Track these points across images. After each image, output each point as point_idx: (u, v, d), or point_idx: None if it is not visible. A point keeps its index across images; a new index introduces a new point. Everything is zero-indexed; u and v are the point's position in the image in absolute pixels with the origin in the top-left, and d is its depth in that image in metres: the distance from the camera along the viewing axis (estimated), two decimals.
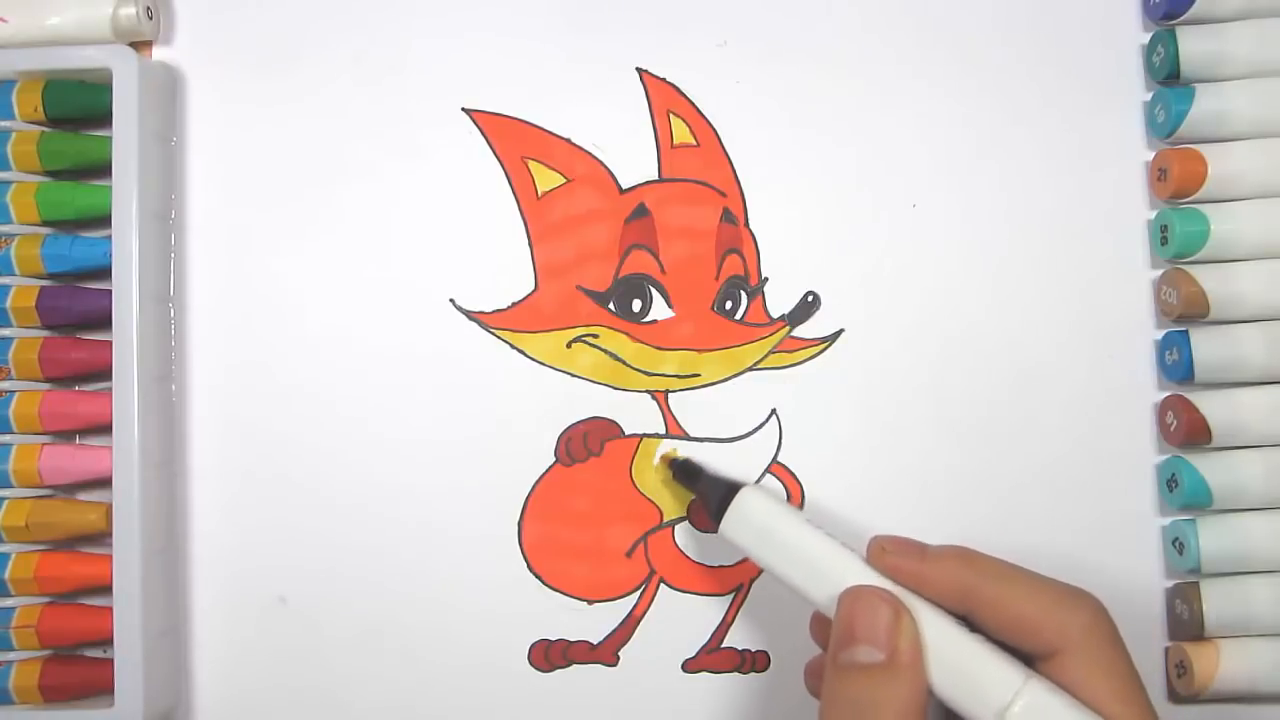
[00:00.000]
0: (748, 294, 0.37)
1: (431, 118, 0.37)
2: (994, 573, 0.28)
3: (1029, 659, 0.27)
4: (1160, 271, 0.36)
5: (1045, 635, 0.27)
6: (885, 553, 0.29)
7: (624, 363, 0.36)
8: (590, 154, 0.37)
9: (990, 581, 0.27)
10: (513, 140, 0.37)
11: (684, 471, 0.35)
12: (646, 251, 0.36)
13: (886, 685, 0.26)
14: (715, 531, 0.36)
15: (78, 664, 0.35)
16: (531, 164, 0.37)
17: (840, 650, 0.27)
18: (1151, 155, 0.37)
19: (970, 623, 0.28)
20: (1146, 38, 0.37)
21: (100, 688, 0.34)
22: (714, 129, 0.37)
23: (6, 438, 0.35)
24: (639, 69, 0.37)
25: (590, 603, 0.36)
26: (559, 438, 0.36)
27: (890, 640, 0.27)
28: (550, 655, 0.36)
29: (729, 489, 0.31)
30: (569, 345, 0.36)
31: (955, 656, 0.27)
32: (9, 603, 0.35)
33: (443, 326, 0.36)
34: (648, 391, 0.36)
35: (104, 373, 0.34)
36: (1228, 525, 0.35)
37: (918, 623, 0.27)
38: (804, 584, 0.29)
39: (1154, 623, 0.36)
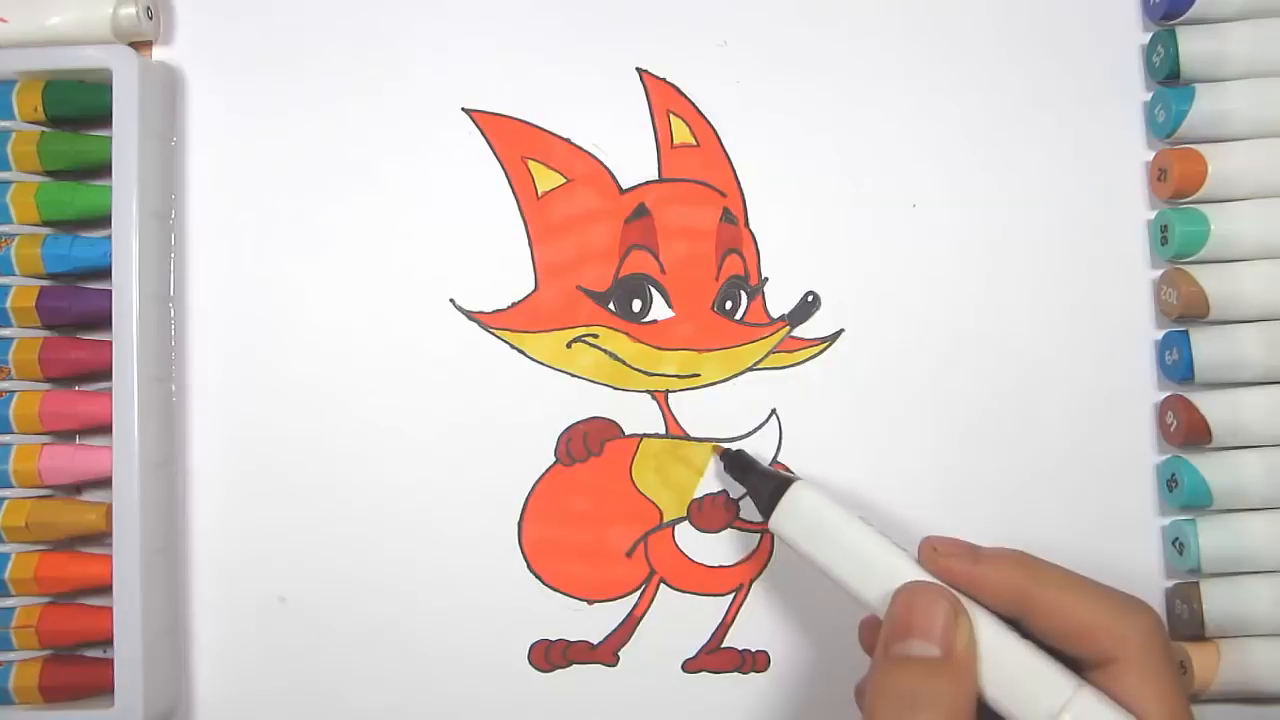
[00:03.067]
0: (748, 294, 0.37)
1: (431, 118, 0.37)
2: (1050, 578, 0.27)
3: (1079, 665, 0.27)
4: (1160, 271, 0.36)
5: (1102, 643, 0.26)
6: (937, 554, 0.28)
7: (624, 363, 0.36)
8: (590, 154, 0.37)
9: (1046, 587, 0.27)
10: (513, 140, 0.37)
11: (736, 464, 0.34)
12: (646, 251, 0.36)
13: (940, 679, 0.26)
14: (716, 532, 0.36)
15: (78, 664, 0.35)
16: (531, 164, 0.37)
17: (894, 642, 0.27)
18: (1151, 155, 0.37)
19: (1021, 627, 0.28)
20: (1146, 38, 0.37)
21: (100, 688, 0.34)
22: (714, 129, 0.37)
23: (6, 438, 0.35)
24: (639, 69, 0.37)
25: (590, 603, 0.36)
26: (559, 438, 0.36)
27: (947, 637, 0.26)
28: (550, 655, 0.36)
29: (781, 483, 0.31)
30: (569, 345, 0.36)
31: (1007, 661, 0.27)
32: (9, 603, 0.35)
33: (443, 326, 0.36)
34: (648, 391, 0.36)
35: (104, 373, 0.34)
36: (1228, 525, 0.35)
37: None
38: (854, 581, 0.29)
39: None
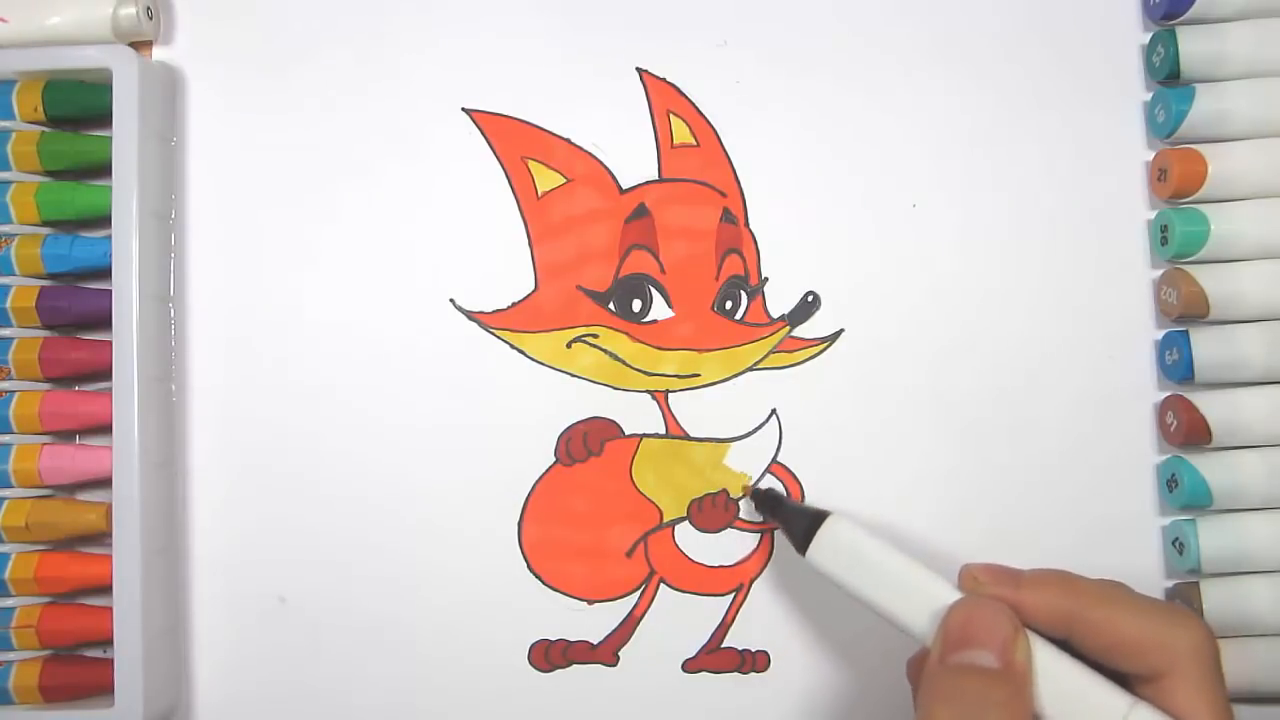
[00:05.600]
0: (748, 294, 0.37)
1: (431, 118, 0.37)
2: (1096, 596, 0.27)
3: (1129, 682, 0.27)
4: (1160, 271, 0.36)
5: (1152, 658, 0.26)
6: (979, 582, 0.28)
7: (624, 363, 0.36)
8: (590, 154, 0.37)
9: (1093, 605, 0.27)
10: (513, 140, 0.37)
11: (767, 501, 0.35)
12: (646, 251, 0.36)
13: (1001, 689, 0.26)
14: (716, 532, 0.36)
15: (78, 664, 0.35)
16: (531, 164, 0.37)
17: (952, 653, 0.27)
18: (1151, 155, 0.37)
19: (1069, 647, 0.27)
20: (1146, 38, 0.37)
21: (100, 688, 0.34)
22: (714, 129, 0.37)
23: (6, 438, 0.35)
24: (639, 69, 0.37)
25: (590, 603, 0.36)
26: (559, 438, 0.36)
27: (1006, 649, 0.26)
28: (550, 655, 0.36)
29: (815, 517, 0.31)
30: (569, 345, 0.36)
31: (1060, 681, 0.27)
32: (9, 603, 0.35)
33: (443, 326, 0.36)
34: (648, 391, 0.36)
35: (104, 373, 0.34)
36: (1228, 525, 0.35)
37: None
38: (899, 611, 0.29)
39: None
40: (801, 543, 0.31)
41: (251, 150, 0.37)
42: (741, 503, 0.36)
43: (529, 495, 0.36)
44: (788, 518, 0.33)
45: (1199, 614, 0.34)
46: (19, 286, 0.35)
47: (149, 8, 0.36)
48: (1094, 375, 0.36)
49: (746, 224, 0.37)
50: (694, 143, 0.37)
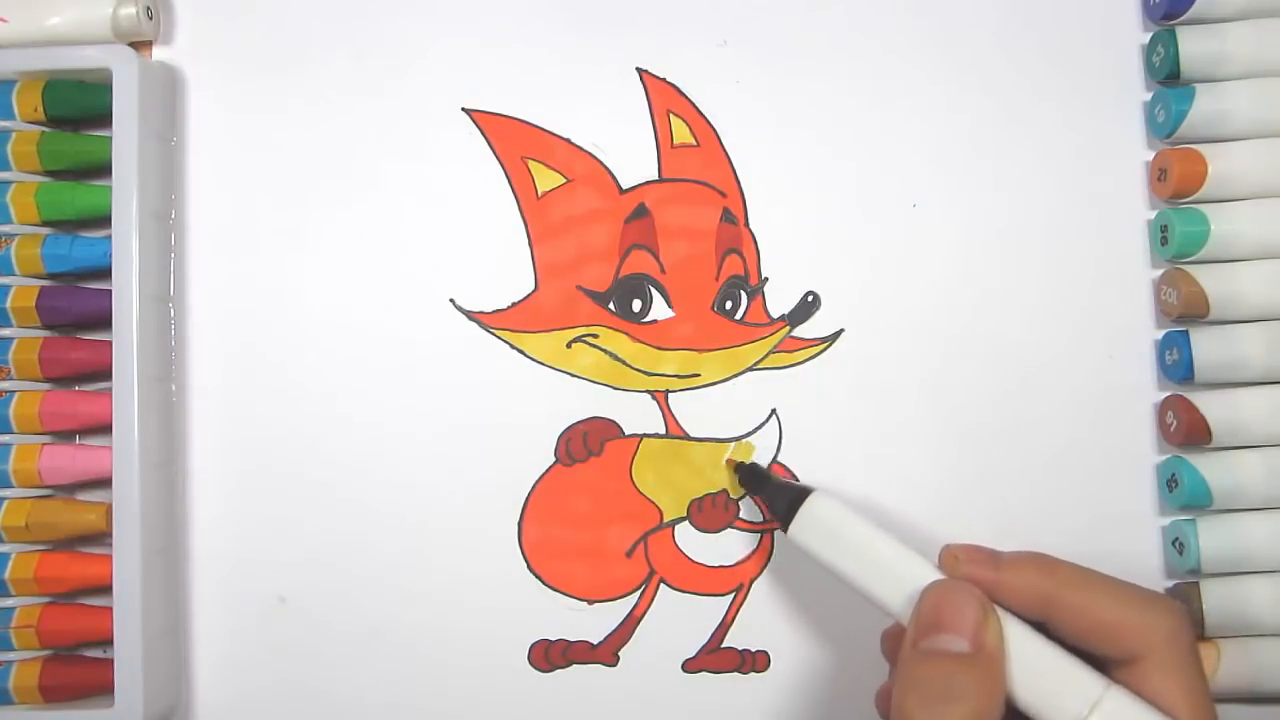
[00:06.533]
0: (748, 294, 0.37)
1: (431, 118, 0.37)
2: (1074, 579, 0.27)
3: (1104, 665, 0.27)
4: (1160, 271, 0.36)
5: (1127, 641, 0.26)
6: (959, 562, 0.28)
7: (624, 363, 0.36)
8: (590, 154, 0.37)
9: (1071, 588, 0.27)
10: (513, 140, 0.37)
11: (750, 476, 0.35)
12: (646, 251, 0.36)
13: (971, 673, 0.26)
14: (716, 532, 0.36)
15: (78, 664, 0.35)
16: (531, 164, 0.37)
17: (923, 637, 0.27)
18: (1151, 155, 0.37)
19: (1045, 629, 0.27)
20: (1146, 38, 0.37)
21: (100, 688, 0.34)
22: (714, 129, 0.37)
23: (6, 438, 0.35)
24: (639, 69, 0.37)
25: (590, 603, 0.36)
26: (559, 438, 0.36)
27: (977, 633, 0.26)
28: (550, 655, 0.36)
29: (798, 493, 0.31)
30: (569, 345, 0.36)
31: (1035, 663, 0.27)
32: (9, 603, 0.35)
33: (443, 326, 0.36)
34: (648, 391, 0.36)
35: (104, 373, 0.34)
36: (1228, 525, 0.35)
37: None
38: (877, 589, 0.29)
39: None
40: (785, 519, 0.31)
41: (251, 150, 0.37)
42: (741, 503, 0.36)
43: (529, 495, 0.36)
44: (771, 494, 0.33)
45: (1199, 614, 0.34)
46: (19, 286, 0.35)
47: (149, 8, 0.36)
48: (1094, 375, 0.36)
49: (746, 224, 0.37)
50: (694, 143, 0.37)
